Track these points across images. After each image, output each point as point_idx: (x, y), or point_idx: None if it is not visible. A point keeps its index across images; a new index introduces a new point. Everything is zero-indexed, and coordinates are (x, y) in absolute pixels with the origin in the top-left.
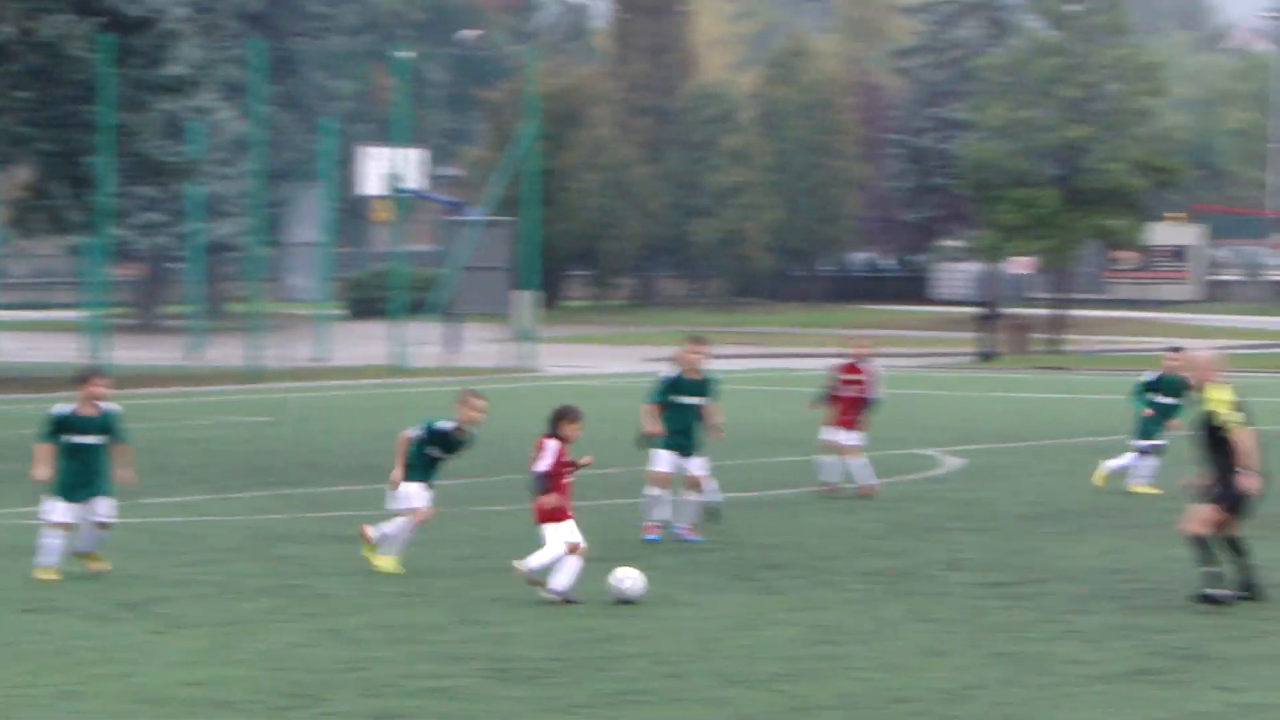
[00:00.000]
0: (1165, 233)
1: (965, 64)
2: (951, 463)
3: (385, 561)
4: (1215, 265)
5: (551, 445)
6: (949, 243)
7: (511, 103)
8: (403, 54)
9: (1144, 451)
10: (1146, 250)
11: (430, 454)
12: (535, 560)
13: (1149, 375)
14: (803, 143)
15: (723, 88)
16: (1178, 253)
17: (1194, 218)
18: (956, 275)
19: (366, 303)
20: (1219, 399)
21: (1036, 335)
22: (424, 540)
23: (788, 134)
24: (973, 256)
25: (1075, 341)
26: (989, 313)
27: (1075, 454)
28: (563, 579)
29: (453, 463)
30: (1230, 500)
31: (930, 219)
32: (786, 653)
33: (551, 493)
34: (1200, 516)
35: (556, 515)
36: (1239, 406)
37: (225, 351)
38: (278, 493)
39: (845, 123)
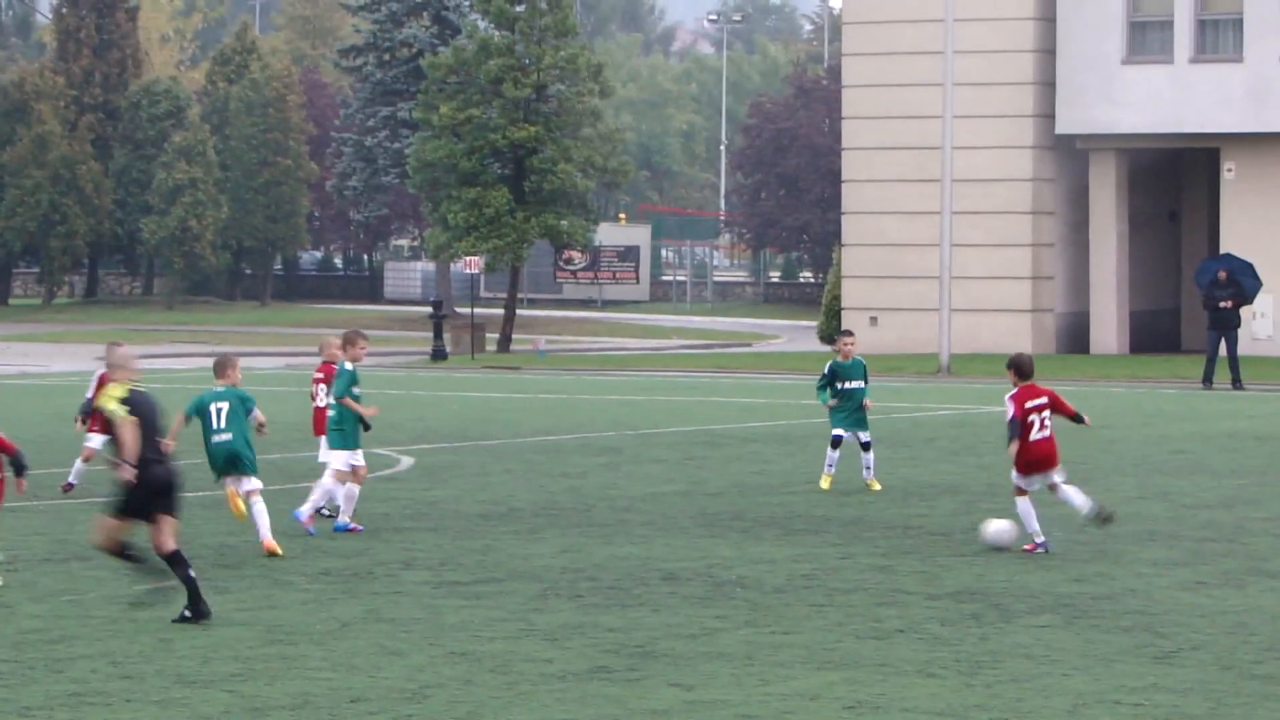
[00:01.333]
0: (614, 233)
1: (413, 63)
2: (404, 462)
3: None
4: (663, 265)
5: None
6: (400, 242)
7: None
8: None
9: None
10: (596, 250)
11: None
12: None
13: None
14: (252, 140)
15: (170, 84)
16: (626, 253)
17: (642, 218)
18: (408, 274)
19: None
20: (110, 394)
21: (488, 335)
22: None
23: (237, 131)
24: (424, 255)
25: (526, 341)
26: (440, 312)
27: (527, 454)
28: None
29: None
30: (118, 499)
31: (381, 218)
32: (241, 652)
33: None
34: (101, 525)
35: None
36: (127, 400)
37: None
38: None
39: (294, 121)
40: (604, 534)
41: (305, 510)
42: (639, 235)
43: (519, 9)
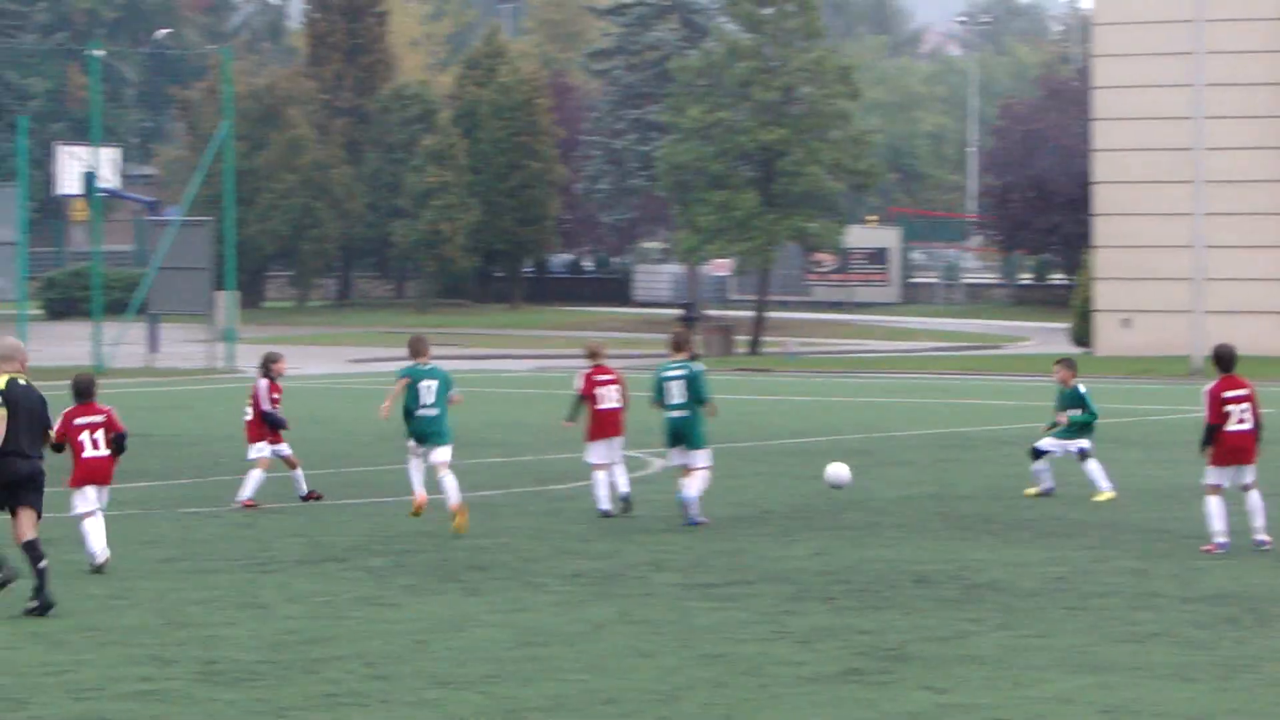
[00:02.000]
0: (863, 235)
1: (661, 66)
2: (657, 464)
3: None
4: (912, 268)
5: None
6: (649, 244)
7: (207, 102)
8: (96, 52)
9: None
10: (845, 253)
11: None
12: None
13: None
14: (501, 144)
15: (420, 88)
16: (876, 255)
17: (891, 220)
18: (657, 277)
19: (65, 303)
20: None
21: (738, 337)
22: (129, 542)
23: (486, 135)
24: (673, 258)
25: (776, 343)
26: (690, 314)
27: (778, 456)
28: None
29: (154, 465)
30: None
31: (630, 221)
32: (494, 654)
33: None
34: None
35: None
36: (3, 392)
37: None
38: None
39: (543, 124)
40: (855, 536)
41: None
42: (888, 237)
43: (767, 12)
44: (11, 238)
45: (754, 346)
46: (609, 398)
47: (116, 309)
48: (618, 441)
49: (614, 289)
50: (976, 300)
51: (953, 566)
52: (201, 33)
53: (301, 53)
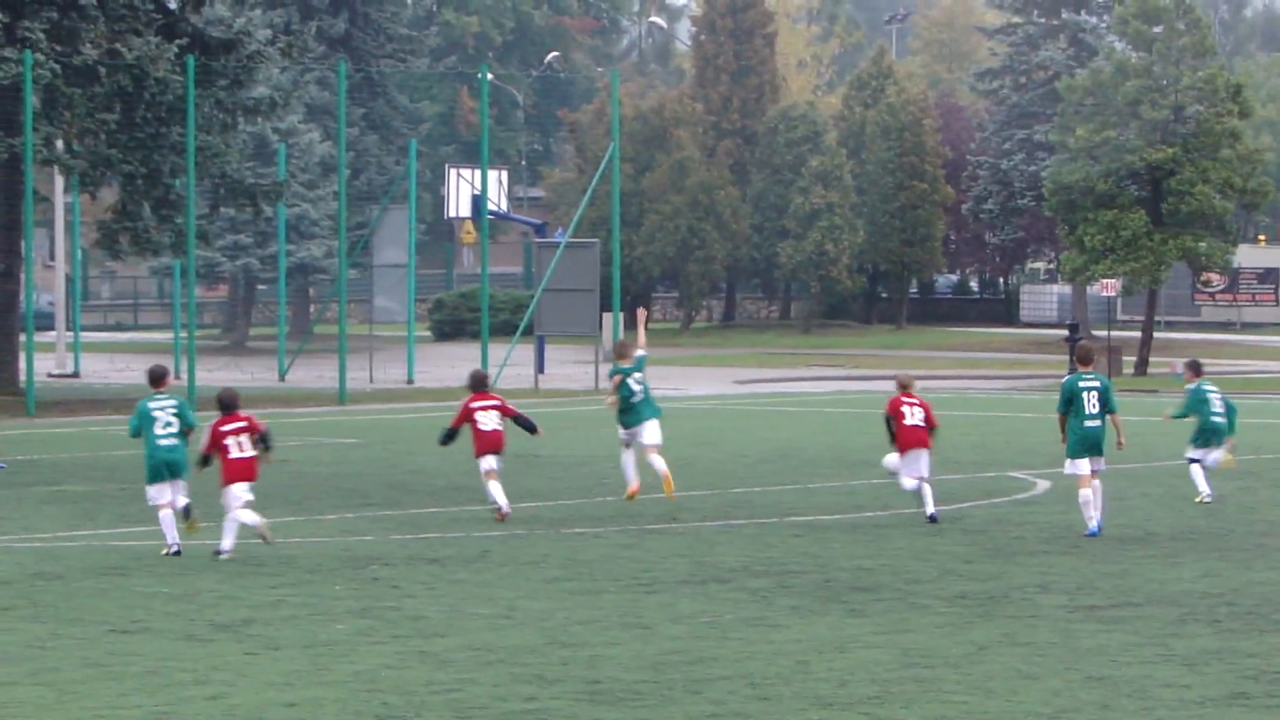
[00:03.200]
0: (1253, 255)
1: (1049, 85)
2: (1041, 485)
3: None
4: None
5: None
6: (1036, 265)
7: (595, 124)
8: (486, 76)
9: None
10: (1235, 272)
11: None
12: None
13: None
14: (888, 164)
15: (806, 109)
16: (1266, 275)
17: None
18: (1043, 297)
19: (453, 324)
20: None
21: (1125, 358)
22: (514, 562)
23: (872, 156)
24: (1059, 278)
25: (1164, 364)
26: (1076, 335)
27: (1166, 477)
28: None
29: (539, 485)
30: None
31: (1017, 241)
32: (878, 675)
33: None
34: None
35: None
36: None
37: (313, 373)
38: (367, 514)
39: (930, 144)
40: (1243, 558)
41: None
42: (1279, 257)
43: (1157, 30)
44: (401, 260)
45: (1140, 366)
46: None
47: (504, 330)
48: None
49: (1000, 309)
50: None
51: None
52: (590, 55)
53: (689, 74)
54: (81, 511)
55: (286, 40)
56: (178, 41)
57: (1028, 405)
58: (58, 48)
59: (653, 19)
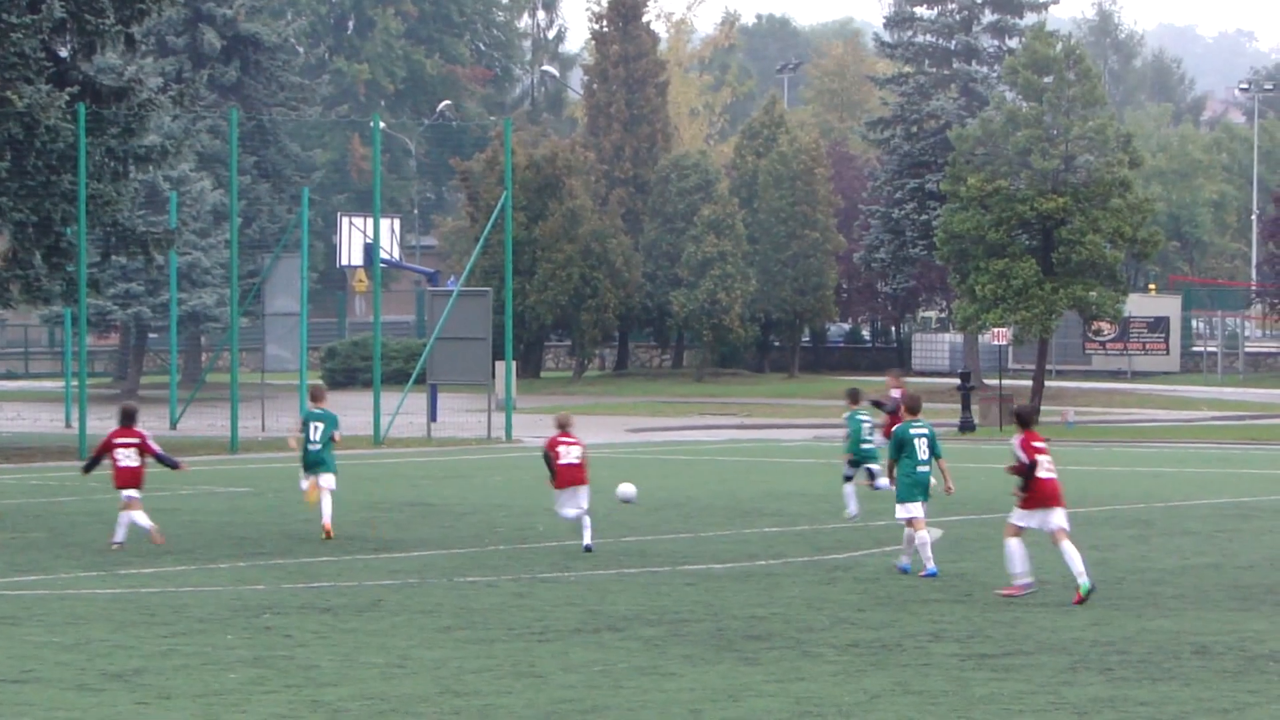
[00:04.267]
0: (1144, 304)
1: (940, 135)
2: (931, 533)
3: None
4: (1193, 336)
5: None
6: (928, 314)
7: (488, 173)
8: (379, 125)
9: None
10: (1125, 321)
11: None
12: None
13: None
14: (780, 213)
15: (699, 158)
16: (1156, 324)
17: (1171, 289)
18: (936, 346)
19: (345, 372)
20: None
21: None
22: (407, 610)
23: (765, 204)
24: (952, 327)
25: (1055, 412)
26: (968, 383)
27: None
28: None
29: (432, 533)
30: None
31: (908, 289)
32: None
33: None
34: None
35: None
36: None
37: (205, 421)
38: (259, 563)
39: (822, 193)
40: (1134, 607)
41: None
42: (1169, 306)
43: (1047, 80)
44: (294, 308)
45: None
46: None
47: (397, 379)
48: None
49: (892, 358)
50: (1258, 370)
51: (1233, 637)
52: (482, 104)
53: (581, 123)
54: None
55: (178, 88)
56: (69, 89)
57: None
58: None
59: (545, 68)
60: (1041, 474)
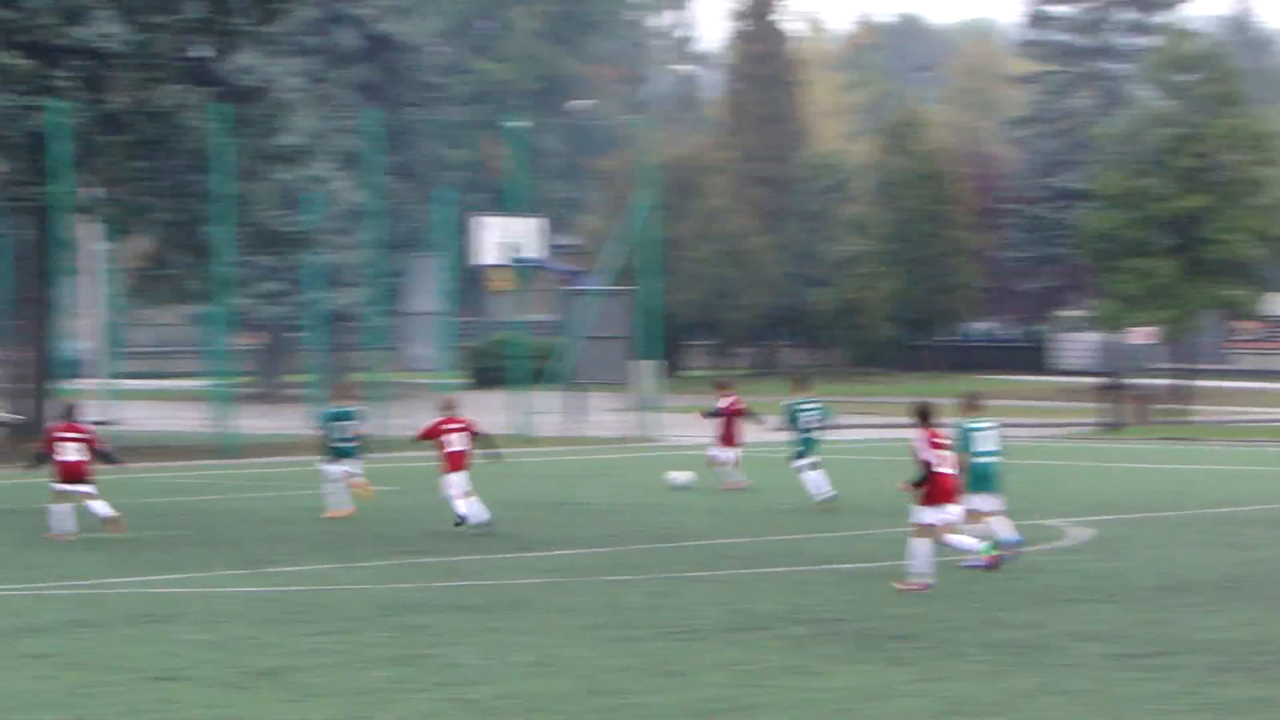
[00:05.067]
0: None
1: (1078, 133)
2: (1079, 534)
3: None
4: None
5: None
6: (1068, 313)
7: (625, 172)
8: (517, 124)
9: None
10: (1268, 320)
11: None
12: None
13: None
14: (919, 212)
15: (836, 158)
16: None
17: None
18: (1076, 345)
19: (488, 372)
20: None
21: (1159, 406)
22: (553, 608)
23: (903, 204)
24: (1092, 326)
25: (1199, 412)
26: (1111, 383)
27: (1205, 525)
28: None
29: (576, 532)
30: None
31: (1049, 288)
32: None
33: None
34: None
35: None
36: None
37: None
38: (404, 561)
39: (960, 192)
40: None
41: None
42: None
43: (1187, 78)
44: (434, 307)
45: (1175, 415)
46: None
47: (538, 378)
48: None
49: (1033, 357)
50: None
51: None
52: (617, 103)
53: (719, 122)
54: (118, 558)
55: (317, 88)
56: (209, 89)
57: (1062, 453)
58: (90, 96)
59: (684, 67)
60: (942, 470)
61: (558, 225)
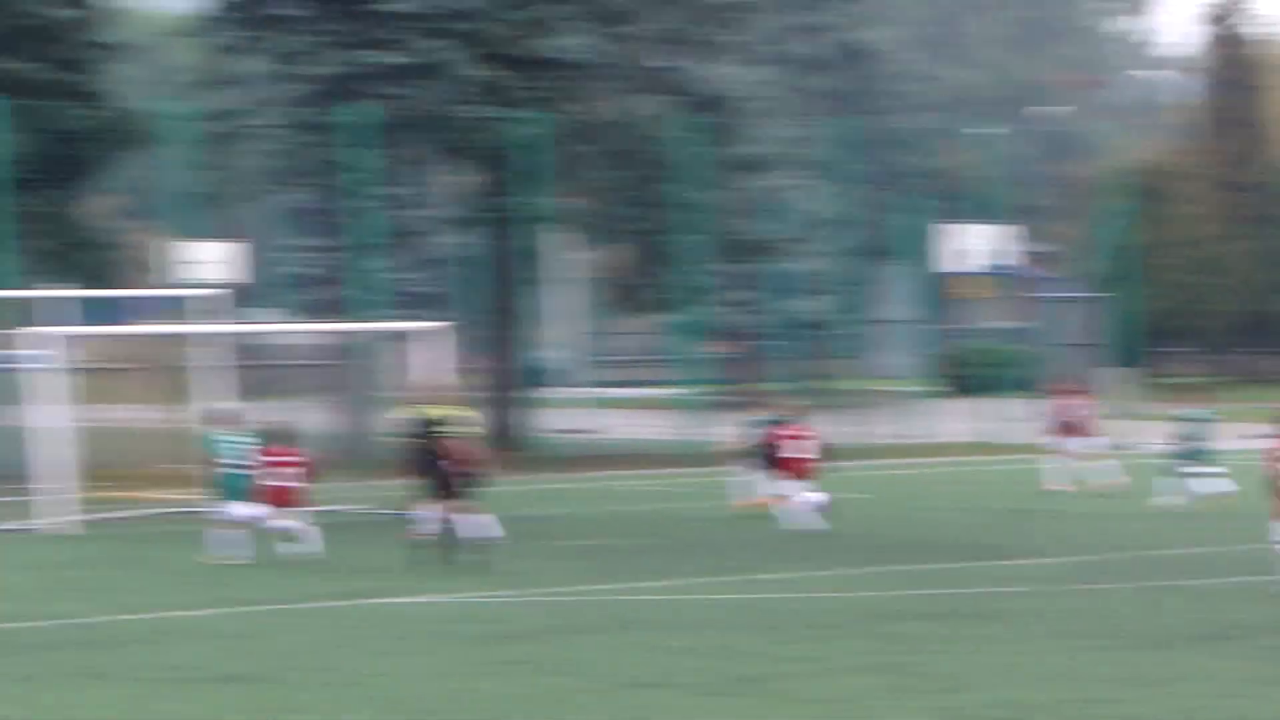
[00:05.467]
0: None
1: None
2: None
3: None
4: None
5: None
6: None
7: (1095, 179)
8: (990, 131)
9: None
10: None
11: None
12: None
13: None
14: None
15: None
16: None
17: None
18: None
19: (961, 379)
20: None
21: None
22: (1030, 616)
23: None
24: None
25: None
26: None
27: None
28: None
29: (1046, 540)
30: None
31: None
32: None
33: None
34: None
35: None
36: None
37: (819, 429)
38: (879, 569)
39: None
40: None
41: None
42: None
43: None
44: (903, 315)
45: None
46: None
47: (1011, 385)
48: None
49: None
50: None
51: None
52: (1082, 109)
53: (1188, 127)
54: (596, 565)
55: (790, 97)
56: (680, 99)
57: None
58: (558, 108)
59: (1143, 72)
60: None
61: (1029, 232)
